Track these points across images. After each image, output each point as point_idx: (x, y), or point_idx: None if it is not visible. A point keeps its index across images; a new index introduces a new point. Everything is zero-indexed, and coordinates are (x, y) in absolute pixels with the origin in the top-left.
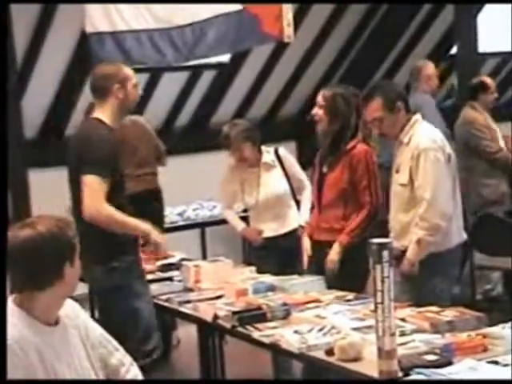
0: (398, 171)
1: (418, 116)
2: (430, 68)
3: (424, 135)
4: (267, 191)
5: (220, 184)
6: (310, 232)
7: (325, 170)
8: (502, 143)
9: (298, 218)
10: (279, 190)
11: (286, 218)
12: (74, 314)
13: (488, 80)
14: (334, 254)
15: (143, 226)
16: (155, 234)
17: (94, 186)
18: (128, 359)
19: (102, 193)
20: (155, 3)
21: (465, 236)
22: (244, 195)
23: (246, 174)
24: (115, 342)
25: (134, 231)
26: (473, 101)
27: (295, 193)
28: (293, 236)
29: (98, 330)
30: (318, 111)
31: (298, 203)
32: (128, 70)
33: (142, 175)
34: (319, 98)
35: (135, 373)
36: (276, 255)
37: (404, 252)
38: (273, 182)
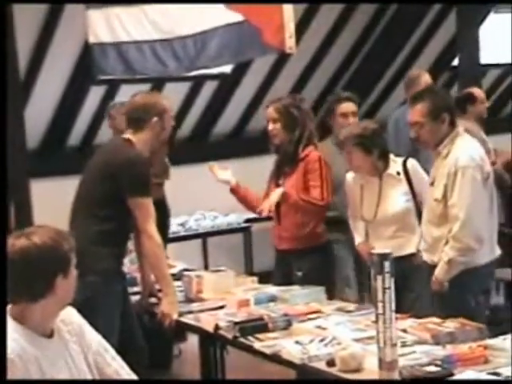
0: (432, 184)
1: (460, 129)
2: (424, 77)
3: (463, 152)
4: (387, 207)
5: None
6: (274, 242)
7: (281, 181)
8: (493, 156)
9: (418, 241)
10: (399, 208)
11: (405, 239)
12: (69, 319)
13: (476, 91)
14: (274, 197)
15: (172, 285)
16: (168, 306)
17: (150, 210)
18: (125, 371)
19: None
20: (160, 3)
21: (498, 252)
22: (362, 207)
23: (366, 183)
24: (113, 352)
25: (163, 277)
26: (462, 113)
27: (422, 213)
28: (409, 261)
29: (96, 337)
30: (274, 126)
31: None
32: (166, 102)
33: None
34: (271, 113)
35: None
36: None
37: (434, 266)
38: (394, 198)
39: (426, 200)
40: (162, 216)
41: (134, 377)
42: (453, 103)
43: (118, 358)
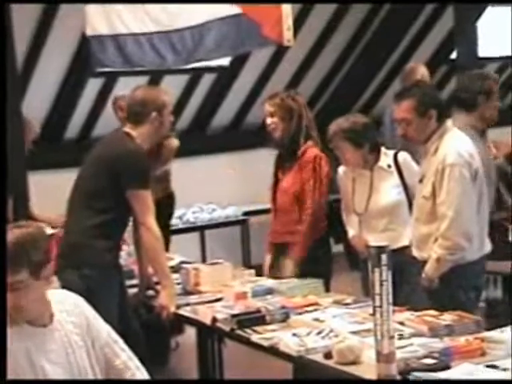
0: (421, 181)
1: (448, 124)
2: (420, 70)
3: (451, 148)
4: (378, 199)
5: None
6: (271, 236)
7: (280, 175)
8: (493, 150)
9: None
10: (390, 200)
11: (397, 232)
12: (75, 310)
13: None
14: (290, 272)
15: (171, 278)
16: (166, 299)
17: (149, 202)
18: (134, 362)
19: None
20: (157, 3)
21: (488, 248)
22: (354, 199)
23: (358, 176)
24: (122, 343)
25: (162, 270)
26: None
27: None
28: (402, 254)
29: (104, 329)
30: (272, 120)
31: None
32: (166, 97)
33: None
34: (268, 108)
35: (141, 378)
36: None
37: (425, 262)
38: (385, 190)
39: (415, 197)
40: (168, 209)
41: (142, 368)
42: (440, 99)
43: (127, 350)
